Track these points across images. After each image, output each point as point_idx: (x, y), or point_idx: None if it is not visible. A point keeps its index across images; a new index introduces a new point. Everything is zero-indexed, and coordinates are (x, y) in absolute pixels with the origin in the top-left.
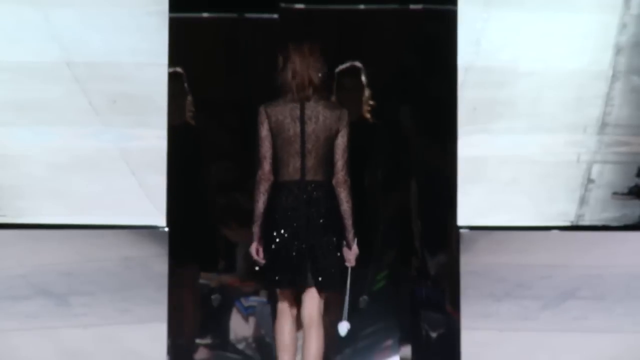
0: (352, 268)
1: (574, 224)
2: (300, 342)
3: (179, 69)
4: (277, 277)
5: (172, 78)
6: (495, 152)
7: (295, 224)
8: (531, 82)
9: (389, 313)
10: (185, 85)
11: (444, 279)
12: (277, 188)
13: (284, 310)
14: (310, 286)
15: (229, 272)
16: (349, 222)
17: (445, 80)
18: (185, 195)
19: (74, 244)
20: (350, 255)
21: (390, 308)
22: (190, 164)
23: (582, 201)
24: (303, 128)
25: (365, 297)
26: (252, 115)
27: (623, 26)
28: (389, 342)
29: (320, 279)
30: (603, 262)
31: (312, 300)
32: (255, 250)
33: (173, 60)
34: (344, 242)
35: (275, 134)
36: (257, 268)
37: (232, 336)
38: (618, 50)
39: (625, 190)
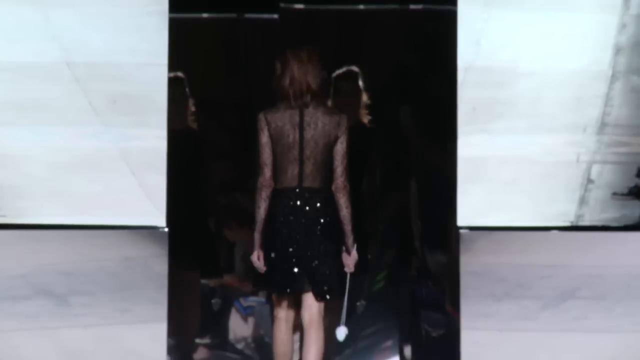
0: (351, 273)
1: (574, 224)
2: (298, 345)
3: (179, 74)
4: (275, 284)
5: (173, 82)
6: (495, 152)
7: (292, 231)
8: (531, 82)
9: (389, 313)
10: (187, 90)
11: (444, 279)
12: (275, 195)
13: (281, 316)
14: (311, 294)
15: (229, 272)
16: (348, 227)
17: (445, 80)
18: (185, 195)
19: (74, 244)
20: (350, 261)
21: (390, 308)
22: (190, 164)
23: (582, 201)
24: (302, 134)
25: (363, 301)
26: (252, 115)
27: (623, 26)
28: (389, 343)
29: (318, 286)
30: (603, 262)
31: (312, 302)
32: (257, 256)
33: (173, 60)
34: (343, 248)
35: (275, 141)
36: (255, 274)
37: (231, 336)
38: (618, 50)
39: (625, 191)
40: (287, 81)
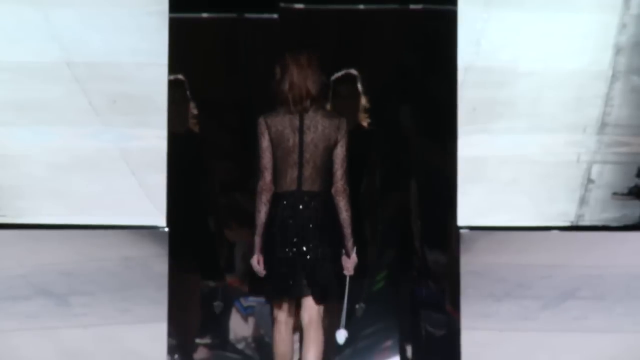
0: (351, 277)
1: (574, 224)
2: (297, 345)
3: (180, 76)
4: (272, 290)
5: (174, 85)
6: (495, 152)
7: (291, 235)
8: (531, 82)
9: (389, 313)
10: (188, 93)
11: (444, 279)
12: (275, 198)
13: (281, 318)
14: (310, 297)
15: (229, 272)
16: (348, 231)
17: (445, 80)
18: (185, 195)
19: (74, 244)
20: (349, 264)
21: (390, 308)
22: (190, 164)
23: (582, 201)
24: (302, 138)
25: (362, 304)
26: (252, 115)
27: (623, 26)
28: (389, 343)
29: (317, 290)
30: (603, 262)
31: (311, 304)
32: (257, 260)
33: (173, 60)
34: (343, 251)
35: (275, 145)
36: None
37: (232, 336)
38: (618, 50)
39: (625, 191)
40: (286, 86)
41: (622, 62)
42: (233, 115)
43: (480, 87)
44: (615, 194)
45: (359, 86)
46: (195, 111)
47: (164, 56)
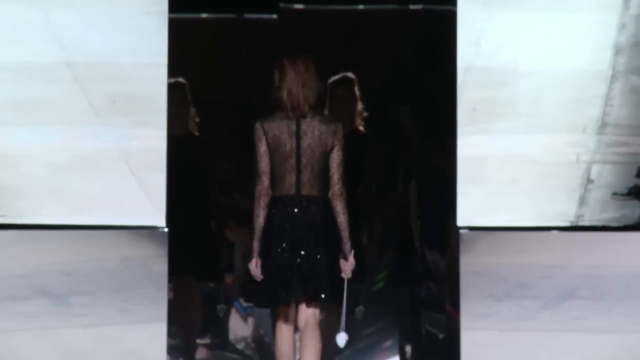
0: (349, 280)
1: (574, 224)
2: (299, 345)
3: (181, 79)
4: (272, 294)
5: (174, 87)
6: (495, 152)
7: (290, 239)
8: (531, 82)
9: (389, 313)
10: (189, 96)
11: (444, 279)
12: (273, 203)
13: (282, 321)
14: (305, 299)
15: (229, 272)
16: (345, 234)
17: (445, 80)
18: (185, 195)
19: (74, 244)
20: (347, 267)
21: (390, 308)
22: (190, 164)
23: (582, 201)
24: (299, 143)
25: (361, 307)
26: (251, 115)
27: (622, 26)
28: (389, 343)
29: (315, 293)
30: (603, 262)
31: (308, 310)
32: (255, 264)
33: (172, 60)
34: (341, 255)
35: (272, 150)
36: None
37: (231, 336)
38: (617, 51)
39: (625, 191)
40: (284, 92)
41: (622, 62)
42: (233, 115)
43: (480, 87)
44: (615, 194)
45: (356, 90)
46: (197, 119)
47: (164, 56)
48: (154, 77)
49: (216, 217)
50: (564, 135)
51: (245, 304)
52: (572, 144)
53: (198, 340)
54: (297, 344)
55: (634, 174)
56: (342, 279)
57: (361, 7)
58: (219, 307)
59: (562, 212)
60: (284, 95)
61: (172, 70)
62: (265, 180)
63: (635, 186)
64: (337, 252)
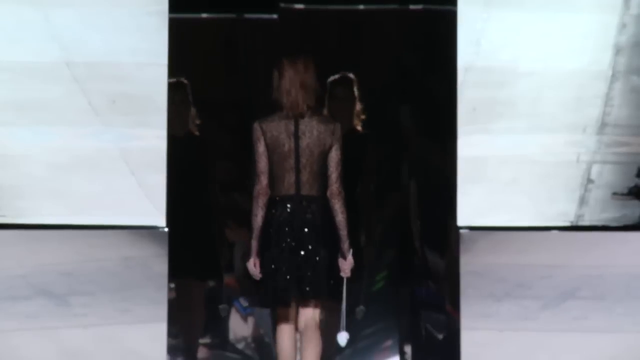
0: (348, 279)
1: (574, 224)
2: (299, 344)
3: (182, 79)
4: (273, 294)
5: (175, 87)
6: (495, 152)
7: (290, 239)
8: (531, 82)
9: (389, 313)
10: (190, 97)
11: (444, 279)
12: (273, 203)
13: (283, 320)
14: (305, 299)
15: (228, 272)
16: (343, 233)
17: (445, 80)
18: (185, 195)
19: (74, 244)
20: (346, 265)
21: (390, 308)
22: (190, 164)
23: (582, 201)
24: (297, 143)
25: (362, 307)
26: (251, 115)
27: (623, 26)
28: (389, 343)
29: (315, 291)
30: (603, 262)
31: (308, 310)
32: (253, 264)
33: (173, 61)
34: (339, 254)
35: (270, 150)
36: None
37: (232, 336)
38: (618, 51)
39: (625, 191)
40: (283, 92)
41: (622, 62)
42: (233, 115)
43: (480, 87)
44: (615, 194)
45: (355, 90)
46: (197, 121)
47: (164, 56)
48: (154, 77)
49: (216, 217)
50: (564, 135)
51: (245, 304)
52: (572, 144)
53: (198, 340)
54: (298, 344)
55: (634, 174)
56: (342, 278)
57: (361, 7)
58: (221, 307)
59: (562, 212)
60: (282, 95)
61: (172, 70)
62: (263, 180)
63: (636, 186)
64: (336, 252)
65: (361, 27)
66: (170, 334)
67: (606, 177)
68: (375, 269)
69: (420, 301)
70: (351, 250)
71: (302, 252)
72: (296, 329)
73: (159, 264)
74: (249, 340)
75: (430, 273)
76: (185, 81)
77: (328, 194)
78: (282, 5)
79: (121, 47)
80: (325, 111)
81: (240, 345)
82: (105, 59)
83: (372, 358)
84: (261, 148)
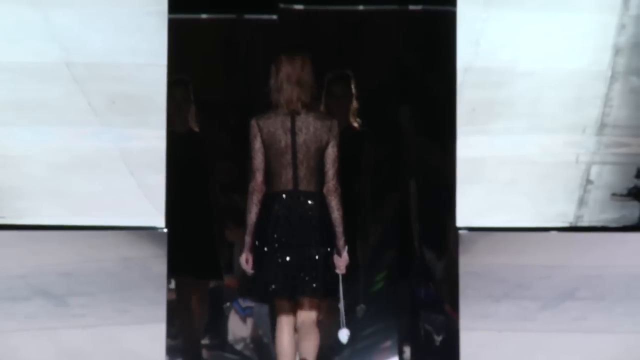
0: (343, 276)
1: (573, 224)
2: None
3: (184, 76)
4: (270, 288)
5: (177, 84)
6: (494, 153)
7: (287, 234)
8: (530, 82)
9: (389, 314)
10: (191, 95)
11: (443, 279)
12: (270, 198)
13: (282, 319)
14: (303, 295)
15: (228, 273)
16: (339, 229)
17: (444, 81)
18: (184, 196)
19: (73, 245)
20: (341, 262)
21: (389, 309)
22: (189, 165)
23: (581, 202)
24: (294, 139)
25: (362, 305)
26: (251, 115)
27: (622, 27)
28: (389, 343)
29: (312, 287)
30: (602, 262)
31: (305, 307)
32: (245, 259)
33: (172, 61)
34: (335, 250)
35: (267, 146)
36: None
37: (230, 337)
38: (617, 51)
39: (624, 192)
40: (280, 89)
41: (621, 62)
42: (232, 115)
43: (479, 88)
44: (614, 194)
45: (353, 87)
46: (197, 123)
47: (164, 56)
48: (153, 77)
49: (216, 217)
50: (563, 135)
51: (244, 305)
52: (571, 145)
53: (200, 341)
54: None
55: (634, 175)
56: (337, 275)
57: (361, 7)
58: (225, 305)
59: (561, 213)
60: (278, 91)
61: (172, 70)
62: (259, 177)
63: (635, 187)
64: (332, 247)
65: (361, 27)
66: (169, 334)
67: (605, 177)
68: (374, 269)
69: (420, 302)
70: (346, 247)
71: (299, 248)
72: (296, 323)
73: (158, 265)
74: (248, 341)
75: (430, 274)
76: (187, 78)
77: (325, 190)
78: (282, 5)
79: (121, 48)
80: (322, 108)
81: (239, 346)
82: (105, 59)
83: (372, 358)
84: (257, 145)
